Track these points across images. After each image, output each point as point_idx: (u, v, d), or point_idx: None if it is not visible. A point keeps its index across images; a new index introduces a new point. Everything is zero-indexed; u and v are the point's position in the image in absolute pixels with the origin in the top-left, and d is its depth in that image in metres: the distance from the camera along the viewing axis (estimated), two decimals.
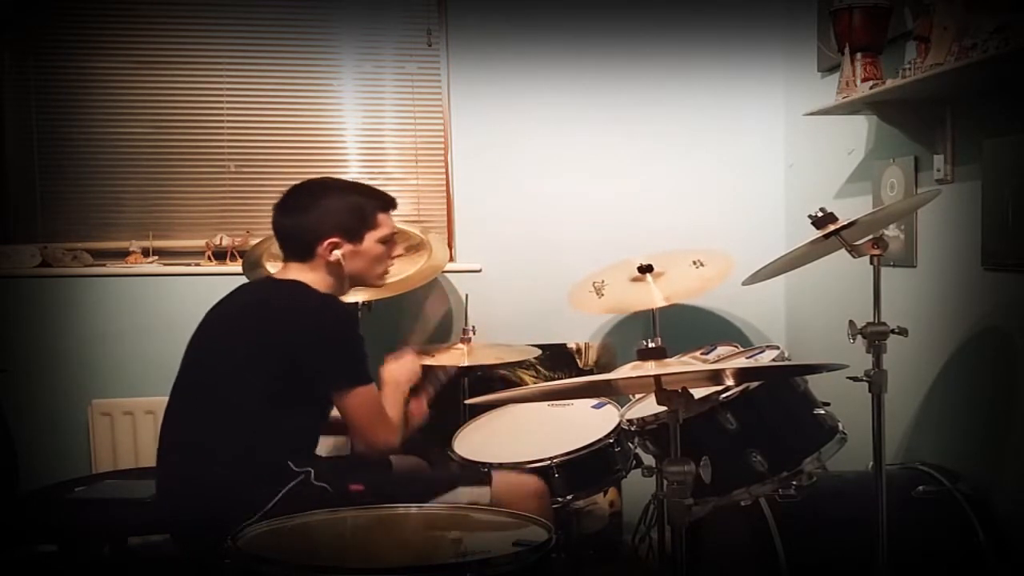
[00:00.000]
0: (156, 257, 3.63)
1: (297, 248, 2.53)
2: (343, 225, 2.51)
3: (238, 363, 2.39)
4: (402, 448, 2.72)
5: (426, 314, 3.75)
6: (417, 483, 2.56)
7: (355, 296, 3.25)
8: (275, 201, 2.60)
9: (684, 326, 3.57)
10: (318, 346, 2.37)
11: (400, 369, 2.64)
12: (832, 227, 2.36)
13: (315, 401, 2.43)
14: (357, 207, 2.55)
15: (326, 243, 2.48)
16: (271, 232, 3.32)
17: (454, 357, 3.20)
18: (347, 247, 2.51)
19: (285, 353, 2.36)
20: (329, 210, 2.52)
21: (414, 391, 2.69)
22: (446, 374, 2.95)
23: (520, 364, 3.70)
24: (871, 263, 2.39)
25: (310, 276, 2.50)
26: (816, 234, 2.40)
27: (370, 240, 2.55)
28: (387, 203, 2.62)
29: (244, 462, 2.33)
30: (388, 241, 2.59)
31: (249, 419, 2.36)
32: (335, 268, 2.51)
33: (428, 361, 3.09)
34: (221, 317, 2.51)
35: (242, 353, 2.40)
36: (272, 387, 2.35)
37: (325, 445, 2.65)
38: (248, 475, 2.32)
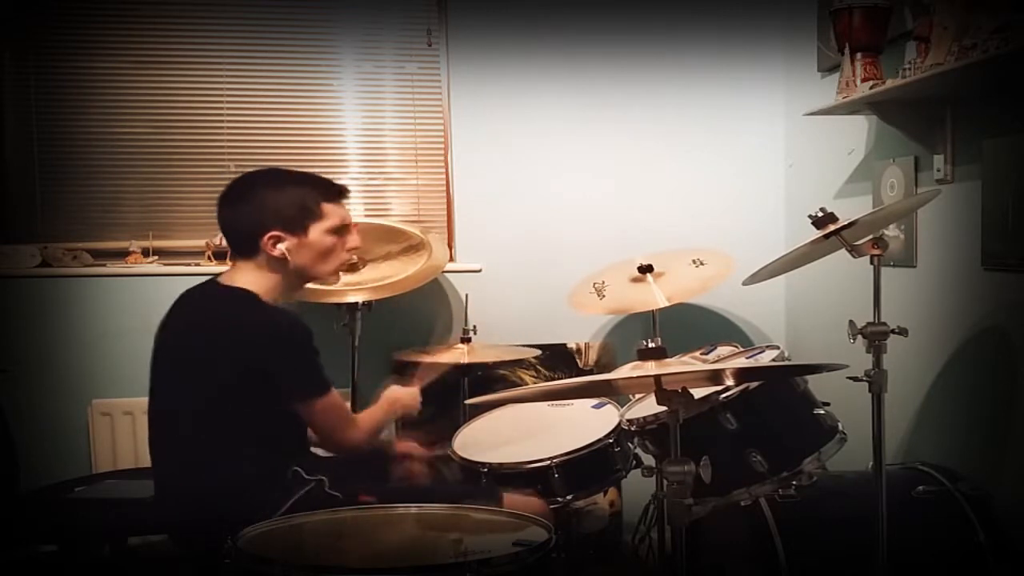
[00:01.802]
0: (156, 257, 3.63)
1: (240, 244, 2.44)
2: (283, 217, 2.40)
3: (204, 372, 2.33)
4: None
5: (426, 314, 3.75)
6: (426, 496, 2.55)
7: (355, 296, 3.25)
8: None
9: (684, 326, 3.57)
10: (272, 363, 2.30)
11: (400, 396, 2.61)
12: (832, 227, 2.36)
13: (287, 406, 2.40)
14: (297, 198, 2.43)
15: (267, 237, 2.39)
16: None
17: (454, 357, 3.20)
18: (291, 240, 2.40)
19: (242, 367, 2.30)
20: (268, 202, 2.41)
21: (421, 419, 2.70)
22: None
23: (520, 364, 3.70)
24: (871, 263, 2.38)
25: (256, 275, 2.41)
26: (816, 234, 2.39)
27: (317, 231, 2.43)
28: (333, 192, 2.50)
29: (237, 469, 2.32)
30: (340, 232, 2.48)
31: (229, 426, 2.32)
32: (280, 264, 2.41)
33: (427, 359, 3.10)
34: (178, 327, 2.44)
35: (205, 363, 2.33)
36: (238, 396, 2.31)
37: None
38: (247, 482, 2.31)
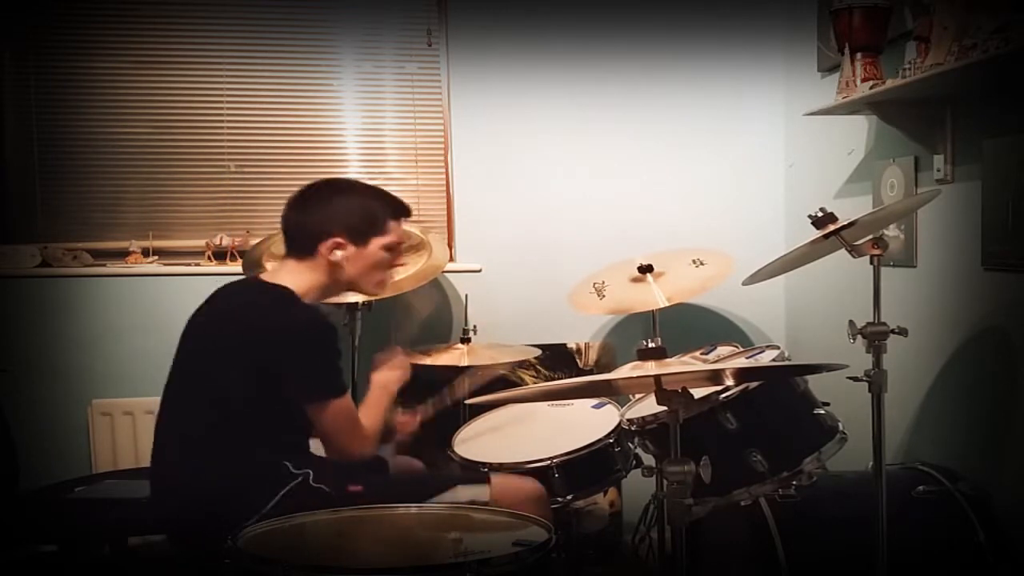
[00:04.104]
0: (156, 257, 3.63)
1: (300, 244, 2.47)
2: (350, 226, 2.45)
3: (222, 366, 2.35)
4: (398, 449, 2.72)
5: (426, 314, 3.75)
6: (415, 483, 2.55)
7: (354, 296, 3.24)
8: (277, 199, 2.56)
9: (684, 326, 3.58)
10: (292, 358, 2.32)
11: (390, 374, 2.60)
12: (832, 227, 2.36)
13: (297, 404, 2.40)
14: (369, 210, 2.49)
15: (330, 242, 2.43)
16: (271, 232, 3.34)
17: (454, 357, 3.20)
18: (351, 249, 2.45)
19: (262, 360, 2.31)
20: (339, 209, 2.47)
21: (405, 396, 2.67)
22: (452, 398, 2.91)
23: (520, 364, 3.70)
24: (871, 263, 2.38)
25: (304, 276, 2.44)
26: (816, 234, 2.39)
27: (375, 246, 2.48)
28: (401, 211, 2.56)
29: (236, 464, 2.32)
30: (394, 249, 2.54)
31: (236, 421, 2.34)
32: (334, 269, 2.45)
33: (426, 361, 3.10)
34: (206, 319, 2.47)
35: (225, 356, 2.36)
36: (254, 390, 2.33)
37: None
38: (243, 476, 2.31)
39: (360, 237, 2.47)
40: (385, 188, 2.66)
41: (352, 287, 2.55)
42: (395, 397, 2.60)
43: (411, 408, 2.76)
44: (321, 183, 2.58)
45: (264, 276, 2.53)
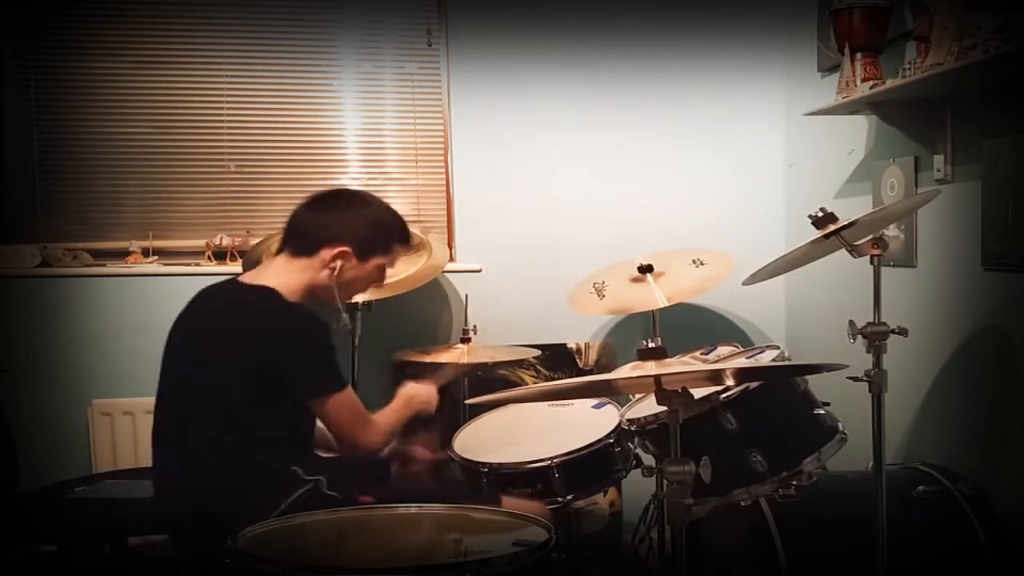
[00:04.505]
0: (156, 257, 3.63)
1: (302, 243, 2.46)
2: (361, 239, 2.46)
3: (216, 368, 2.35)
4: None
5: (426, 314, 3.75)
6: (423, 496, 2.55)
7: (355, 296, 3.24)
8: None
9: (684, 326, 3.58)
10: (288, 357, 2.32)
11: (417, 391, 2.62)
12: (832, 227, 2.36)
13: (298, 404, 2.40)
14: (382, 229, 2.51)
15: (336, 250, 2.43)
16: (271, 232, 3.34)
17: (454, 357, 3.20)
18: (352, 261, 2.46)
19: (257, 362, 2.31)
20: (356, 220, 2.48)
21: (424, 422, 2.69)
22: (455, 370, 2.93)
23: (520, 364, 3.70)
24: (871, 263, 2.38)
25: (291, 276, 2.43)
26: (816, 234, 2.39)
27: (372, 264, 2.50)
28: (406, 237, 2.59)
29: (238, 465, 2.32)
30: (384, 270, 2.56)
31: (235, 422, 2.33)
32: (326, 275, 2.45)
33: (427, 360, 3.10)
34: (190, 322, 2.46)
35: (218, 358, 2.35)
36: (254, 391, 2.32)
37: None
38: (246, 478, 2.31)
39: (365, 253, 2.48)
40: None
41: (330, 296, 2.50)
42: (413, 413, 2.62)
43: (428, 435, 2.79)
44: (344, 191, 2.61)
45: (244, 278, 2.51)
